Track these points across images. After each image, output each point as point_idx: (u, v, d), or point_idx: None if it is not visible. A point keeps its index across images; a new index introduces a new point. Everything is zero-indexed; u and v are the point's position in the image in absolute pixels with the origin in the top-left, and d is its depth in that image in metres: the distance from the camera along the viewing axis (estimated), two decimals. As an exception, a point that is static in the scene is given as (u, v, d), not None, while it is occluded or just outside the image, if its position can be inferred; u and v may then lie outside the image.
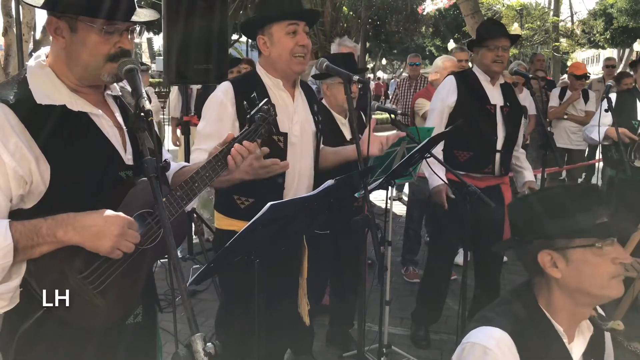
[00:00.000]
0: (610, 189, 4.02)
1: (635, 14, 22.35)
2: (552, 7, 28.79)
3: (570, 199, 1.43)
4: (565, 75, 9.10)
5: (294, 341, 3.08)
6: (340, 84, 2.98)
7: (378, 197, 5.98)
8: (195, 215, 4.55)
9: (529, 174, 3.55)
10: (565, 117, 6.38)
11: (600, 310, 1.53)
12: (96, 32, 1.42)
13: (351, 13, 8.38)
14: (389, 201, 3.18)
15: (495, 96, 3.37)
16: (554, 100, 6.50)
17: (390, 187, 3.00)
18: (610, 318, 1.55)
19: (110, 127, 1.53)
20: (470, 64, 5.66)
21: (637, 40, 23.61)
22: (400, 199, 7.36)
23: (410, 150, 2.91)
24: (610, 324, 1.46)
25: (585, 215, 1.38)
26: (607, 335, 1.56)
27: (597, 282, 1.37)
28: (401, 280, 4.72)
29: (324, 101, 3.19)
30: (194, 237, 4.71)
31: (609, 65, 8.25)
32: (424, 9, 19.19)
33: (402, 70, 31.62)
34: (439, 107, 3.42)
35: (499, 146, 3.34)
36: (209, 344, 1.10)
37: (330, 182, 1.77)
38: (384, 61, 32.98)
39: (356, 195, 2.83)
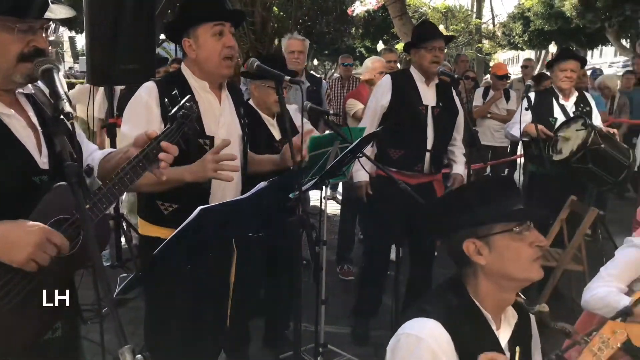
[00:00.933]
0: (532, 183, 4.23)
1: (549, 18, 23.65)
2: (474, 9, 29.98)
3: (488, 188, 1.54)
4: (489, 76, 9.50)
5: (228, 345, 3.03)
6: (270, 87, 2.95)
7: (312, 197, 6.00)
8: (123, 221, 4.39)
9: (458, 167, 3.68)
10: (489, 115, 6.65)
11: (522, 297, 1.60)
12: (7, 31, 1.33)
13: (282, 13, 8.35)
14: (323, 201, 3.20)
15: (428, 97, 3.46)
16: (477, 100, 6.76)
17: (324, 187, 3.02)
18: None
19: (23, 128, 1.43)
20: (399, 65, 5.80)
21: (552, 42, 25.04)
22: (334, 198, 7.42)
23: (343, 150, 2.94)
24: (537, 307, 1.55)
25: (502, 203, 1.48)
26: (533, 323, 1.64)
27: (518, 265, 1.46)
28: (336, 278, 4.76)
29: (250, 102, 3.16)
30: (122, 243, 4.54)
31: (525, 65, 8.69)
32: (353, 11, 19.45)
33: (333, 71, 31.92)
34: (373, 106, 3.51)
35: (428, 146, 3.44)
36: (138, 357, 1.05)
37: (263, 184, 1.75)
38: (315, 62, 33.16)
39: (291, 196, 2.83)
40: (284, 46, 4.59)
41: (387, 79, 3.54)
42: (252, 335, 3.32)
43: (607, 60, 30.14)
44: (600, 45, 28.18)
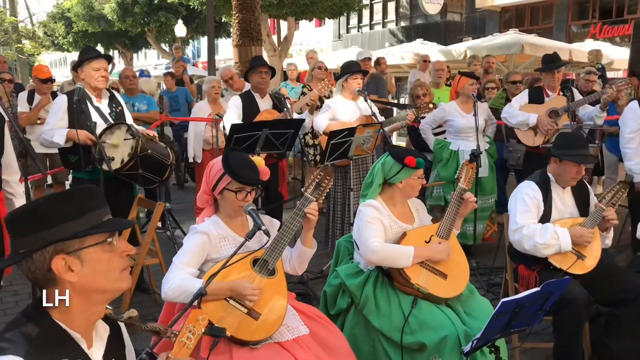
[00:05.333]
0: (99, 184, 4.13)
1: (92, 20, 23.69)
2: (8, 6, 27.36)
3: (76, 199, 1.41)
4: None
5: None
6: None
7: None
8: None
9: (20, 202, 3.20)
10: (39, 121, 6.16)
11: (108, 307, 1.54)
12: None
13: None
14: None
15: None
16: (22, 105, 6.19)
17: None
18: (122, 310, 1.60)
19: None
20: None
21: (98, 44, 25.21)
22: None
23: None
24: (126, 314, 1.53)
25: (92, 214, 1.39)
26: (124, 331, 1.61)
27: (111, 277, 1.41)
28: None
29: None
30: None
31: (73, 67, 8.40)
32: None
33: None
34: None
35: None
36: None
37: None
38: None
39: None
40: None
41: None
42: None
43: (152, 63, 32.33)
44: (144, 48, 29.99)
